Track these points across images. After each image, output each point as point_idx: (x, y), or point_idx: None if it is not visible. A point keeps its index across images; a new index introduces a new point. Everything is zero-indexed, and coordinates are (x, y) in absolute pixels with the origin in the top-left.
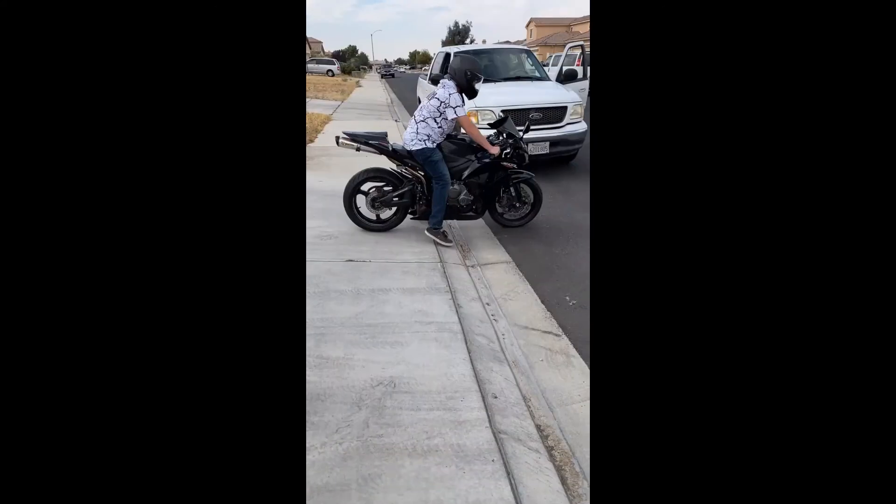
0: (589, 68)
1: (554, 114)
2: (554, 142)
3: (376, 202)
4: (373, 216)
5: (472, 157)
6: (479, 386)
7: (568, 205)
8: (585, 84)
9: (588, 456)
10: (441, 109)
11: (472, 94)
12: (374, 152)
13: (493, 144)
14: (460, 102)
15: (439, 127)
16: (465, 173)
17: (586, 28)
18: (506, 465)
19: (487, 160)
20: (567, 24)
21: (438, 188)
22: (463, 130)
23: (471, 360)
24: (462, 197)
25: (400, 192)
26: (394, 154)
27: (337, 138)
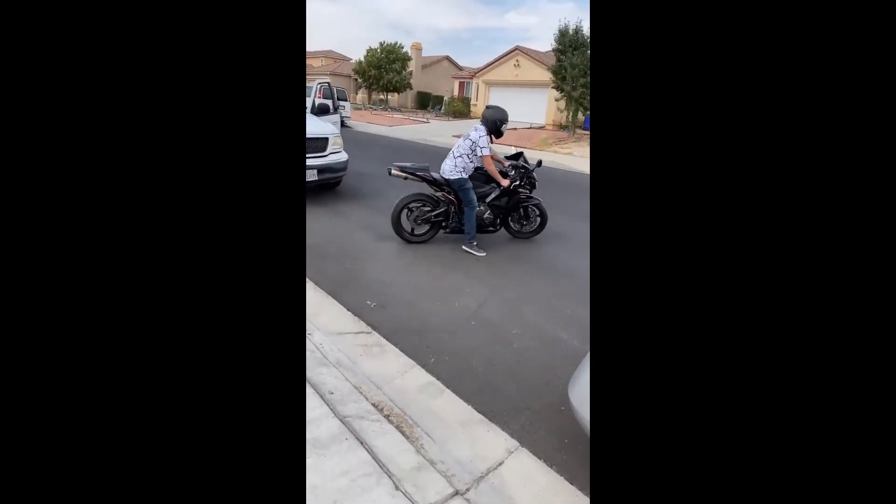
0: (339, 102)
1: (318, 144)
2: (321, 169)
3: (418, 220)
4: (416, 230)
5: (495, 185)
6: (314, 389)
7: (348, 225)
8: (337, 118)
9: (416, 411)
10: (473, 148)
11: (499, 135)
12: (419, 180)
13: (507, 176)
14: (487, 144)
15: (471, 162)
16: (490, 197)
17: (319, 62)
18: (357, 437)
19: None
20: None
21: (468, 211)
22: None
23: None
24: (486, 216)
25: (437, 211)
26: (433, 182)
27: (389, 169)
